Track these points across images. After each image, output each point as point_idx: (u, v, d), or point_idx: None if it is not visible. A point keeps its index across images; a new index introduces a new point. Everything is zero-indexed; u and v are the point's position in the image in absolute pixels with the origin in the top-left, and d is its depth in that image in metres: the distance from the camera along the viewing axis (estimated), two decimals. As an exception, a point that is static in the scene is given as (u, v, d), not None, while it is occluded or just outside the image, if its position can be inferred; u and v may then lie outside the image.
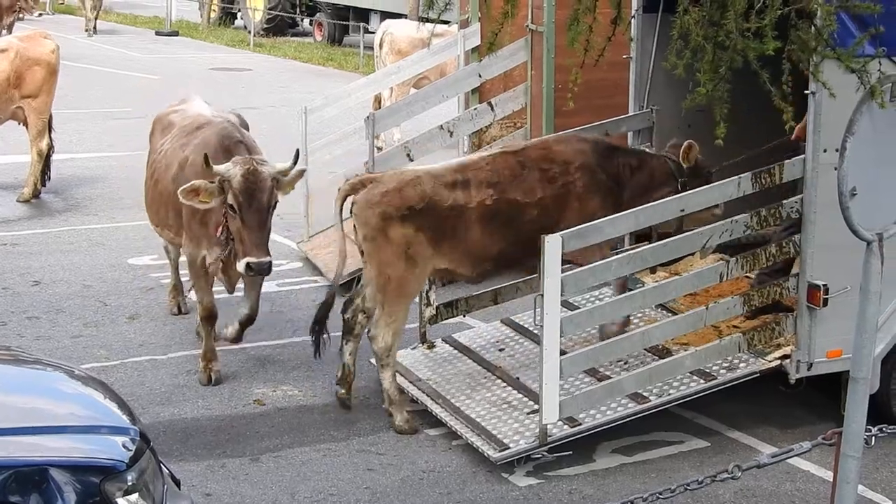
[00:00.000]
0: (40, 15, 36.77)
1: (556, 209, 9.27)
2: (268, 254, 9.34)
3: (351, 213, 9.27)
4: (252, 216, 9.26)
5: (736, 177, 8.81)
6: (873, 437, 6.63)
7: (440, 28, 18.09)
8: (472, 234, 9.16)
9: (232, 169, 9.28)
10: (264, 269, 9.34)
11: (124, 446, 5.78)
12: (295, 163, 9.63)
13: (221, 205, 9.36)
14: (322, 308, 9.64)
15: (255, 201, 9.25)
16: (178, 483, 6.42)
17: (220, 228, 9.52)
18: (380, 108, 17.09)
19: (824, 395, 9.37)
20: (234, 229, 9.36)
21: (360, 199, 9.20)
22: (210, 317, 10.07)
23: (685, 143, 9.56)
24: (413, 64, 15.22)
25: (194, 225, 9.83)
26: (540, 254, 8.24)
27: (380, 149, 13.77)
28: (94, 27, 35.50)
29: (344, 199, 9.38)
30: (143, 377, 10.22)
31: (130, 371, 10.34)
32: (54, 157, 16.15)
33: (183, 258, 10.60)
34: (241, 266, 9.30)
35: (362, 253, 9.30)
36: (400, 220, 9.01)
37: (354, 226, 9.29)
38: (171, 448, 8.78)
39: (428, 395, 9.48)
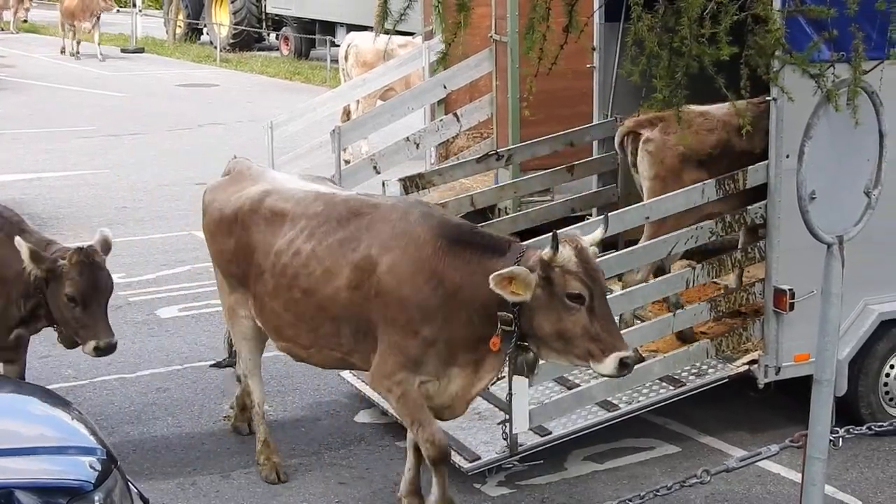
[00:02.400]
0: None
1: None
2: None
3: (635, 150, 9.34)
4: (604, 305, 7.17)
5: (700, 183, 8.86)
6: (840, 439, 6.67)
7: (404, 39, 18.13)
8: None
9: (563, 252, 7.09)
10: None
11: (91, 466, 5.77)
12: (606, 228, 7.63)
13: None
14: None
15: (599, 286, 7.14)
16: (146, 502, 6.40)
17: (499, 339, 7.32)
18: (349, 120, 17.07)
19: (794, 397, 9.40)
20: (573, 327, 7.07)
21: (655, 138, 9.20)
22: (446, 457, 7.81)
23: None
24: (378, 76, 15.23)
25: (413, 345, 7.51)
26: None
27: (347, 162, 13.77)
28: (84, 51, 35.14)
29: (624, 136, 9.33)
30: (111, 396, 10.18)
31: (99, 390, 10.30)
32: (20, 176, 16.07)
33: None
34: (608, 367, 7.02)
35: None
36: (696, 165, 9.13)
37: (636, 161, 9.39)
38: (141, 467, 8.74)
39: (398, 408, 9.46)
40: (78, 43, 35.16)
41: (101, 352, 8.26)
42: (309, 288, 7.83)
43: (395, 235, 7.60)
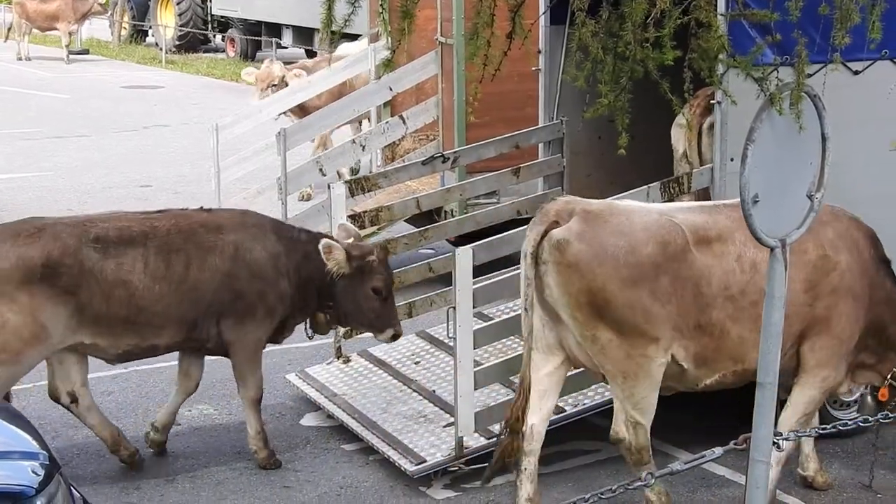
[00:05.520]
0: None
1: None
2: None
3: None
4: None
5: (645, 186, 8.89)
6: (783, 442, 6.70)
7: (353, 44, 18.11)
8: None
9: None
10: None
11: (33, 471, 5.71)
12: None
13: None
14: None
15: None
16: (89, 507, 6.35)
17: None
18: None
19: (740, 399, 9.43)
20: None
21: None
22: None
23: None
24: (323, 78, 15.23)
25: (851, 341, 8.00)
26: None
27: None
28: (67, 56, 34.65)
29: None
30: (55, 400, 10.07)
31: (42, 394, 10.14)
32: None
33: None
34: None
35: None
36: None
37: None
38: (84, 471, 8.69)
39: (344, 410, 9.45)
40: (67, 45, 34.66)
41: (395, 339, 9.07)
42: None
43: (840, 236, 7.83)
